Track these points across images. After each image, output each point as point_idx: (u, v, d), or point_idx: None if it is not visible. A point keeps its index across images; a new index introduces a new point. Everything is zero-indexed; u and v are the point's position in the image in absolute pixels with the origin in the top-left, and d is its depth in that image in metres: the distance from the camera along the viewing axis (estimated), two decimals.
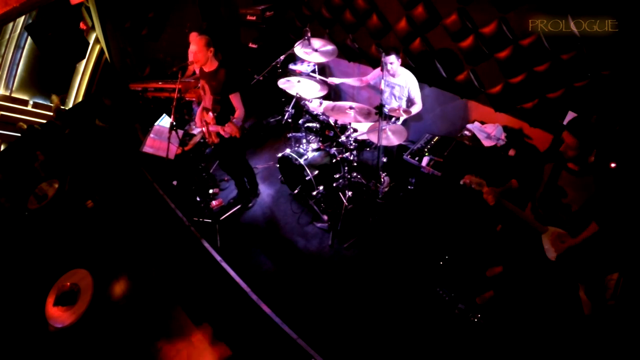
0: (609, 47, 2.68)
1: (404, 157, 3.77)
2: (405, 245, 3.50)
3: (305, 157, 3.70)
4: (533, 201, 2.46)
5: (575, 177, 2.19)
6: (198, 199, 4.11)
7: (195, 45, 3.04)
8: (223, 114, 3.23)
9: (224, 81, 3.11)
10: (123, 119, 5.42)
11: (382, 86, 3.26)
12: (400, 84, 3.70)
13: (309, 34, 3.79)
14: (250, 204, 4.09)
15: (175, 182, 4.45)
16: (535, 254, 2.43)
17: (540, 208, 2.40)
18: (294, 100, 4.12)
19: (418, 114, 3.82)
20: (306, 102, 3.94)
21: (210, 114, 3.23)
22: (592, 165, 2.13)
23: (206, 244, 3.72)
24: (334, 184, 3.85)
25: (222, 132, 3.13)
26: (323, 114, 3.73)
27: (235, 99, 3.16)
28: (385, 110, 3.33)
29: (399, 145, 3.70)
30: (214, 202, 4.10)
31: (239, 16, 5.15)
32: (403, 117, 3.71)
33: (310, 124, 3.95)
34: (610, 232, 2.19)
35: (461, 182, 2.49)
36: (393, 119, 3.68)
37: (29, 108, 5.26)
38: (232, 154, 3.71)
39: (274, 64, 3.98)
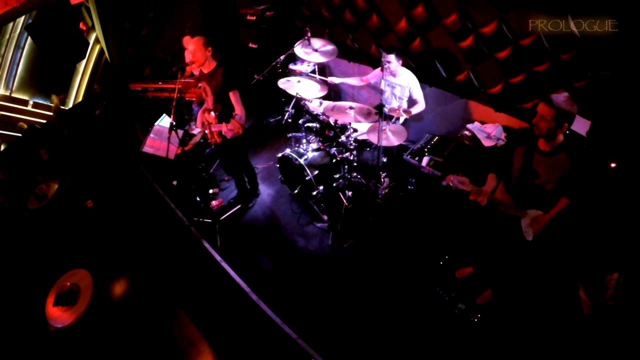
0: (609, 47, 2.68)
1: (404, 157, 3.77)
2: (405, 245, 3.49)
3: (305, 157, 3.70)
4: (508, 185, 2.46)
5: (546, 157, 2.19)
6: (198, 199, 4.11)
7: (194, 45, 3.05)
8: (225, 112, 3.23)
9: (222, 80, 3.11)
10: (123, 118, 5.42)
11: (383, 86, 3.26)
12: (401, 84, 3.70)
13: (309, 34, 3.78)
14: (251, 204, 4.09)
15: (175, 182, 4.45)
16: (514, 239, 2.45)
17: (518, 194, 2.40)
18: (294, 100, 4.12)
19: (418, 114, 3.81)
20: (306, 102, 3.94)
21: (212, 113, 3.23)
22: (562, 144, 2.15)
23: (206, 244, 3.72)
24: (334, 184, 3.85)
25: (224, 131, 3.13)
26: (323, 114, 3.73)
27: (234, 97, 3.16)
28: (385, 110, 3.33)
29: (399, 145, 3.69)
30: (214, 202, 4.10)
31: (239, 16, 5.15)
32: (403, 117, 3.71)
33: (310, 124, 3.94)
34: (580, 205, 2.21)
35: (443, 184, 2.43)
36: (393, 119, 3.67)
37: (29, 108, 5.27)
38: (235, 153, 3.71)
39: (274, 64, 3.98)
